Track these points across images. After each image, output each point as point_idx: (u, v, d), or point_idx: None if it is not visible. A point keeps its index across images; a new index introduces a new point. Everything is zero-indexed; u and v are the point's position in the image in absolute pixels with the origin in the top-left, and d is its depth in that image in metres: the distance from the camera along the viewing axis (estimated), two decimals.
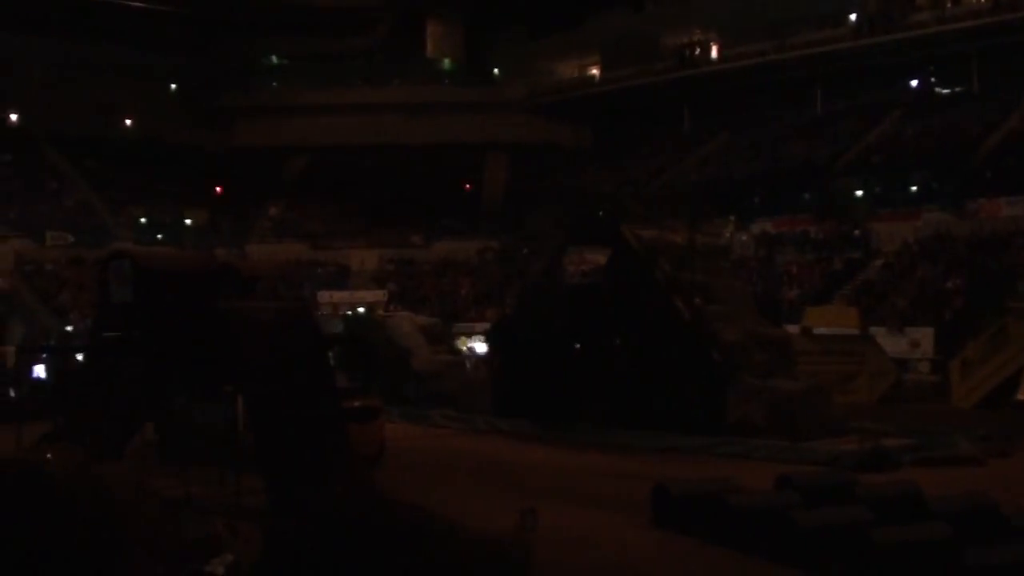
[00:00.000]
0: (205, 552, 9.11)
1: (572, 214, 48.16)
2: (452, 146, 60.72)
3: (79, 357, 22.79)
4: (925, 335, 32.53)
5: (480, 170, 62.81)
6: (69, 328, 39.00)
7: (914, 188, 43.29)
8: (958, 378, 28.56)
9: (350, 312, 41.53)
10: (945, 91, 52.13)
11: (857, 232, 41.98)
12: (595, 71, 63.37)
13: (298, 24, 62.79)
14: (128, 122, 60.53)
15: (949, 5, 48.75)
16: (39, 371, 26.74)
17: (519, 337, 24.44)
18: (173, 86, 63.47)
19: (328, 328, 28.31)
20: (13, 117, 56.79)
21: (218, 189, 57.31)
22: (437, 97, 63.02)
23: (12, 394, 24.61)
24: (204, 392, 15.46)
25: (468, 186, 61.69)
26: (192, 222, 54.35)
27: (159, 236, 51.20)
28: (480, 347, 34.31)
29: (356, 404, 16.86)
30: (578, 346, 23.11)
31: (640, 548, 11.94)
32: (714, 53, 57.16)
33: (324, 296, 47.98)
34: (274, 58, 66.64)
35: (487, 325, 35.26)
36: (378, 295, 49.42)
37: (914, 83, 52.75)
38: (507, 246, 52.31)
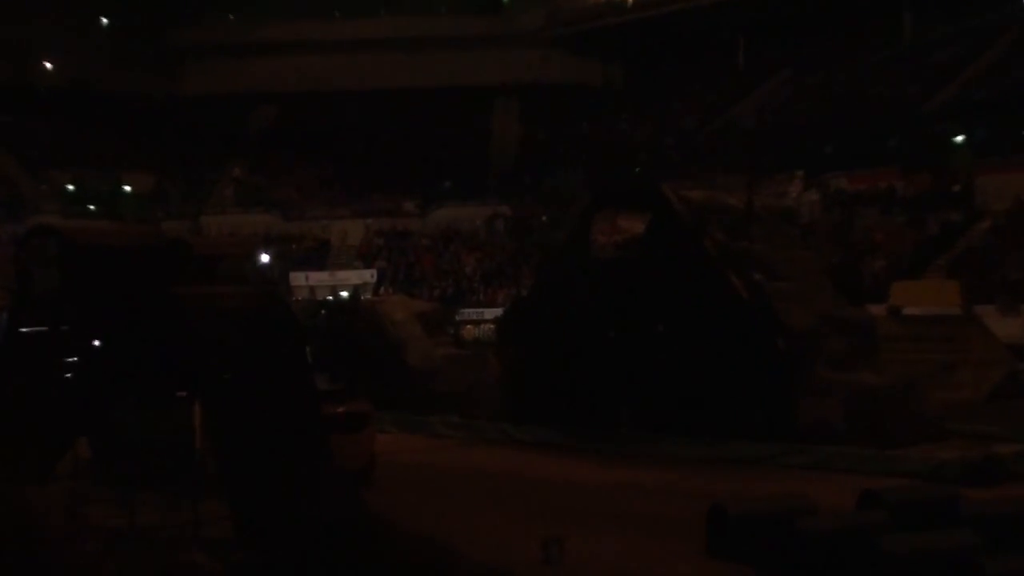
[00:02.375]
0: None
1: (601, 171, 48.40)
2: (453, 90, 60.73)
3: None
4: None
5: (488, 119, 62.79)
6: None
7: None
8: None
9: (331, 297, 41.60)
10: None
11: (957, 188, 41.81)
12: None
13: None
14: (49, 65, 60.48)
15: None
16: None
17: (538, 325, 24.46)
18: (105, 20, 63.42)
19: (305, 318, 28.37)
20: None
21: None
22: (434, 30, 63.05)
23: None
24: (151, 399, 15.50)
25: (473, 139, 61.75)
26: (133, 189, 54.48)
27: (92, 207, 51.36)
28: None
29: (340, 410, 16.92)
30: (611, 335, 23.11)
31: None
32: None
33: (299, 278, 48.11)
34: None
35: (498, 310, 35.28)
36: (365, 276, 49.59)
37: None
38: (521, 212, 52.33)
